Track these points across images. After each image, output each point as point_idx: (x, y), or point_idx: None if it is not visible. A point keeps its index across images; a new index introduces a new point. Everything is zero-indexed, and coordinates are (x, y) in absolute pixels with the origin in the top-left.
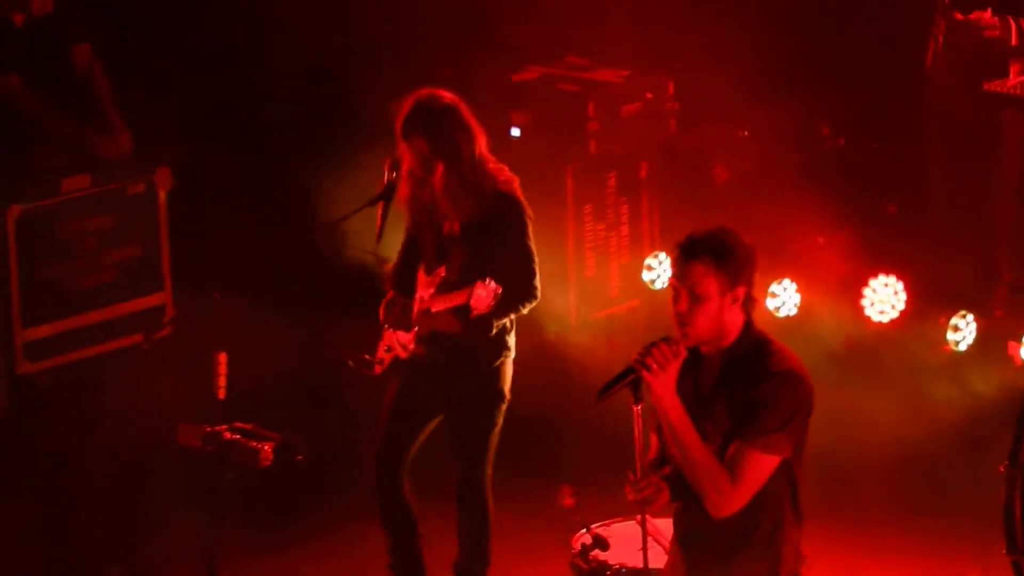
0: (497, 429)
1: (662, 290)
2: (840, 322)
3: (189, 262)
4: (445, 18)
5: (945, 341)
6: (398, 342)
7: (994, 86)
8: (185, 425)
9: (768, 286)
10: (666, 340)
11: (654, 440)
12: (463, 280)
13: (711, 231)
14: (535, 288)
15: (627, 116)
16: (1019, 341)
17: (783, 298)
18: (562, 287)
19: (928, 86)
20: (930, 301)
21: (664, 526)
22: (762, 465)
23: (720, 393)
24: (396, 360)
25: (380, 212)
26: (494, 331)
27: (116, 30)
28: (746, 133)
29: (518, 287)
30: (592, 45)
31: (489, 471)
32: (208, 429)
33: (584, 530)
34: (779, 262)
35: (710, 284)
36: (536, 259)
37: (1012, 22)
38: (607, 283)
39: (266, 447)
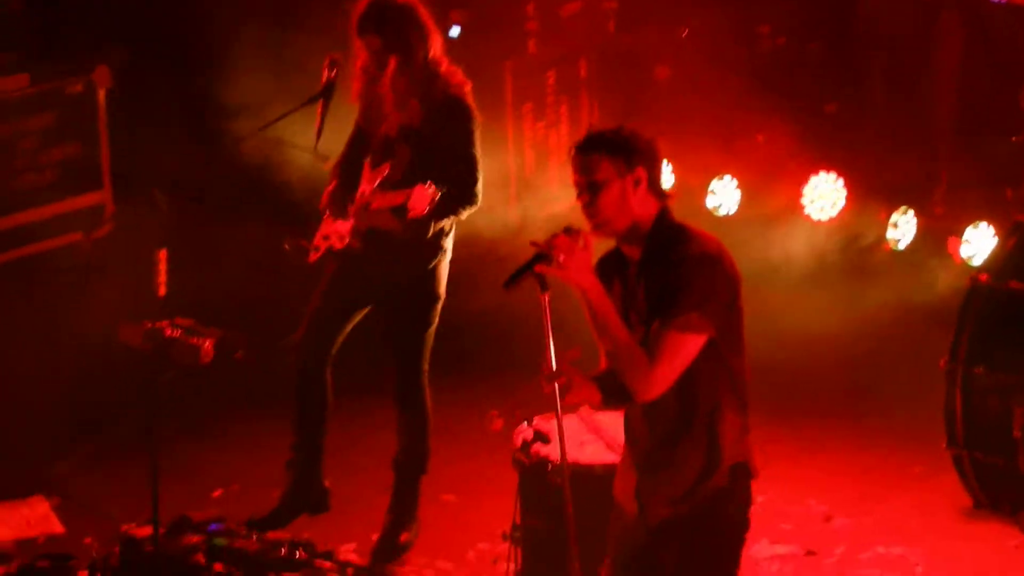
0: (432, 328)
1: None
2: (780, 219)
3: (128, 160)
4: None
5: (885, 239)
6: (335, 232)
7: None
8: (126, 323)
9: (709, 183)
10: (566, 230)
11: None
12: (405, 180)
13: (606, 129)
14: (476, 194)
15: (567, 15)
16: (959, 237)
17: (723, 196)
18: (503, 186)
19: None
20: (870, 199)
21: (609, 420)
22: (680, 345)
23: (640, 282)
24: (331, 250)
25: (320, 111)
26: (431, 233)
27: None
28: (686, 32)
29: (459, 191)
30: None
31: (425, 367)
32: (149, 325)
33: (526, 423)
34: (720, 160)
35: (606, 169)
36: (480, 165)
37: None
38: (547, 182)
39: (207, 343)
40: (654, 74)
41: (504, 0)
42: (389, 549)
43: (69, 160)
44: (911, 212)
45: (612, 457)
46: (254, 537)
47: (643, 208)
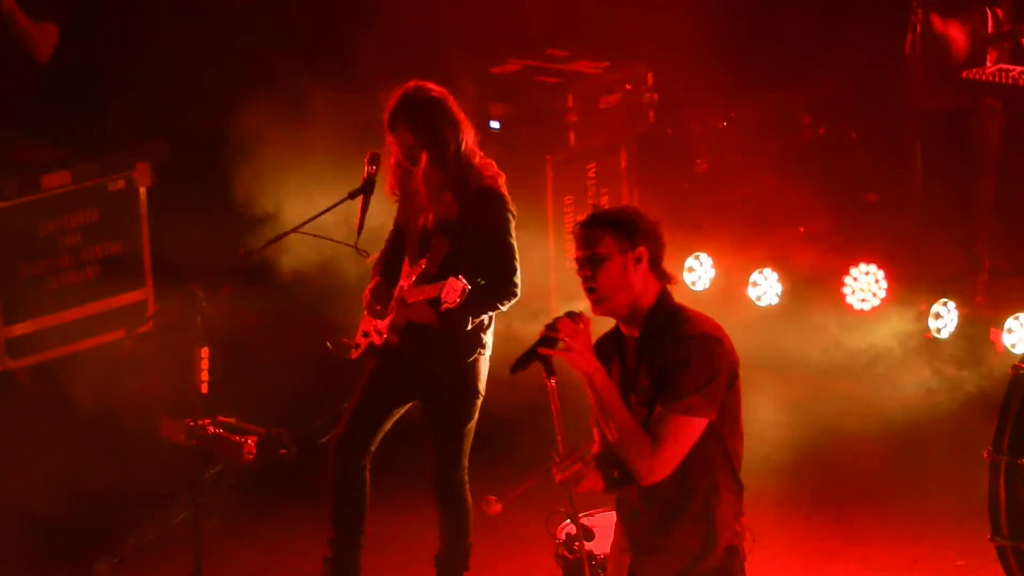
0: (472, 423)
1: None
2: (821, 311)
3: (170, 257)
4: (424, 11)
5: (927, 329)
6: (374, 328)
7: (972, 74)
8: (168, 420)
9: (750, 275)
10: (568, 314)
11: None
12: (442, 273)
13: (611, 207)
14: (515, 286)
15: (606, 107)
16: (1000, 328)
17: (764, 287)
18: (543, 279)
19: (906, 75)
20: (911, 288)
21: None
22: (682, 428)
23: (641, 364)
24: (371, 346)
25: (360, 206)
26: (469, 327)
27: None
28: (725, 123)
29: (497, 284)
30: (571, 37)
31: (465, 463)
32: (191, 423)
33: (568, 520)
34: (761, 252)
35: (608, 243)
36: (517, 257)
37: (988, 11)
38: None
39: (249, 441)
40: (694, 165)
41: (544, 93)
42: None
43: (111, 257)
44: (952, 303)
45: None
46: None
47: (644, 287)
